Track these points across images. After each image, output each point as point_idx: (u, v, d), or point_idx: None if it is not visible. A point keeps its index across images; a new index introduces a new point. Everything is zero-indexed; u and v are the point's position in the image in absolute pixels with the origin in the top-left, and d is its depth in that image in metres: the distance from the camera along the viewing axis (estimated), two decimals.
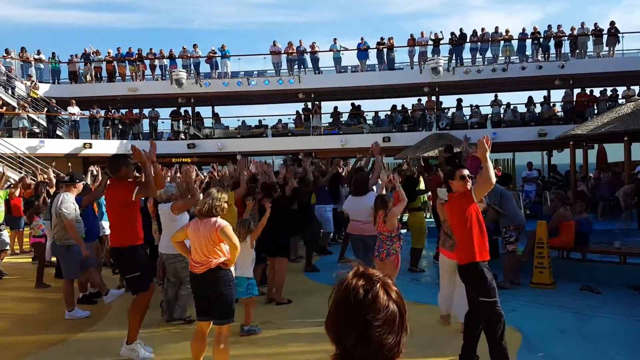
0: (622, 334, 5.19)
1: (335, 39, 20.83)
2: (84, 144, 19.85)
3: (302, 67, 20.96)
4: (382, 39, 20.57)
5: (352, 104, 22.14)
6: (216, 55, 21.20)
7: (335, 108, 22.11)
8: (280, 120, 22.26)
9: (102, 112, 20.84)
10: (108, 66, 21.60)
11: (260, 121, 22.52)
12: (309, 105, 22.02)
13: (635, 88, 19.38)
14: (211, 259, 4.12)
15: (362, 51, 20.62)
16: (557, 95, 21.37)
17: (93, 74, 21.66)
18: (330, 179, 9.92)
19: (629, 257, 7.25)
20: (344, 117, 21.80)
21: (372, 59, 20.90)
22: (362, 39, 20.65)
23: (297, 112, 21.98)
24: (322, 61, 21.24)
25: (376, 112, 22.05)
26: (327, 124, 21.88)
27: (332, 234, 10.76)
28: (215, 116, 23.15)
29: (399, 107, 21.77)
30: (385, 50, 20.38)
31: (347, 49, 21.14)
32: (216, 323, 4.19)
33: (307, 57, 21.05)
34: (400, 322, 1.16)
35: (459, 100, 20.72)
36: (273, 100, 24.09)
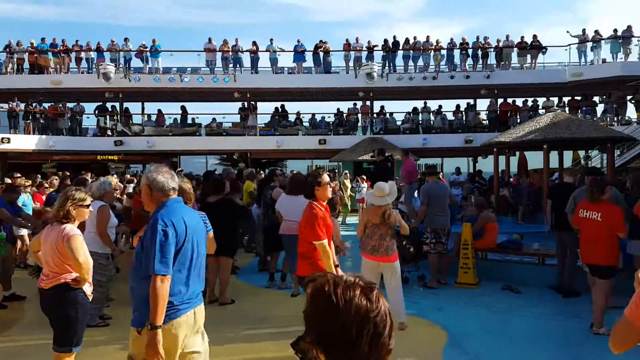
0: (541, 332, 5.48)
1: (271, 40, 20.70)
2: (2, 138, 18.52)
3: (238, 66, 20.66)
4: (320, 41, 20.71)
5: (282, 106, 22.06)
6: (147, 49, 20.44)
7: (277, 109, 21.95)
8: (214, 119, 21.82)
9: (22, 106, 19.49)
10: (30, 57, 20.26)
11: (193, 119, 21.97)
12: (245, 104, 21.76)
13: (554, 99, 20.72)
14: (60, 274, 3.59)
15: (299, 53, 20.64)
16: (483, 104, 22.44)
17: (15, 66, 20.23)
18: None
19: (547, 259, 7.68)
20: (282, 118, 21.73)
21: (309, 62, 20.99)
22: (298, 41, 20.68)
23: (240, 109, 21.61)
24: (259, 62, 21.03)
25: (313, 115, 22.15)
26: (263, 125, 21.73)
27: None
28: (159, 112, 22.18)
29: (334, 111, 22.04)
30: (321, 54, 20.51)
31: (283, 50, 21.09)
32: (55, 349, 3.65)
33: (244, 56, 20.77)
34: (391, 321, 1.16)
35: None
36: (207, 99, 23.56)
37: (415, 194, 10.00)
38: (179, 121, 21.59)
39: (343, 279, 1.16)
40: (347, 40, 20.80)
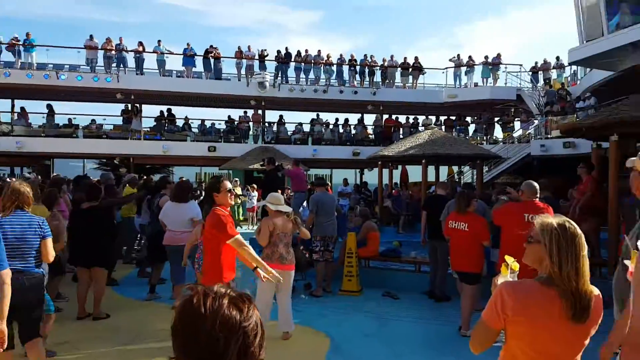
0: (416, 336, 5.80)
1: (159, 41, 19.90)
2: None
3: (121, 65, 19.54)
4: (211, 46, 20.31)
5: (169, 110, 21.29)
6: (19, 43, 18.61)
7: (162, 113, 21.05)
8: (94, 121, 20.37)
9: None
10: None
11: (70, 120, 20.33)
12: (129, 106, 20.62)
13: (433, 118, 22.29)
14: None
15: (189, 57, 20.07)
16: (369, 119, 23.52)
17: None
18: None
19: (423, 266, 8.18)
20: (170, 123, 20.90)
21: (199, 67, 20.48)
22: (188, 44, 20.10)
23: (123, 111, 20.36)
24: (145, 63, 20.06)
25: (202, 121, 21.60)
26: (149, 129, 20.74)
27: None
28: (22, 110, 20.15)
29: (225, 118, 21.69)
30: (212, 59, 20.13)
31: (172, 52, 20.39)
32: None
33: (128, 56, 19.70)
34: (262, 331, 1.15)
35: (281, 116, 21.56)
36: (86, 99, 21.95)
37: (305, 204, 10.14)
38: (45, 121, 19.81)
39: (214, 290, 1.14)
40: (239, 47, 20.66)
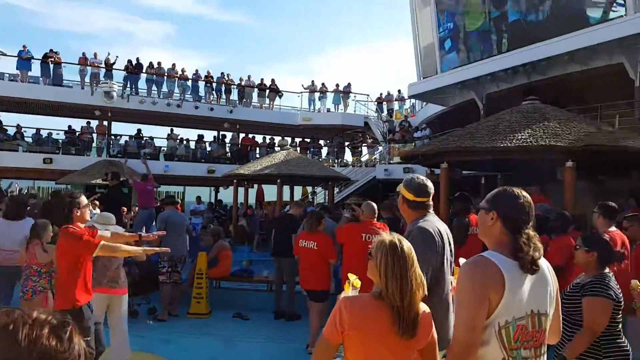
0: (264, 356, 5.77)
1: None
2: None
3: None
4: (51, 50, 18.50)
5: None
6: None
7: None
8: None
9: None
10: None
11: None
12: None
13: (288, 139, 22.83)
14: None
15: (24, 60, 18.02)
16: (226, 136, 23.24)
17: None
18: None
19: (274, 285, 8.19)
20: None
21: (36, 71, 18.49)
22: (24, 46, 18.06)
23: None
24: None
25: (38, 130, 19.41)
26: None
27: None
28: None
29: (65, 127, 19.77)
30: (52, 64, 18.32)
31: (5, 54, 18.16)
32: None
33: None
34: None
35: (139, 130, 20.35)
36: None
37: (154, 223, 9.61)
38: None
39: (33, 316, 1.01)
40: (83, 54, 19.12)
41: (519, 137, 7.55)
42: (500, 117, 8.57)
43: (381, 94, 23.66)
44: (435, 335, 2.10)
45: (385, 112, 23.32)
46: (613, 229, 4.70)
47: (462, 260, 2.23)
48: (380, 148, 21.00)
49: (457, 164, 9.20)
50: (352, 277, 2.27)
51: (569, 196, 7.38)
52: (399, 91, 23.17)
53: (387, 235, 2.09)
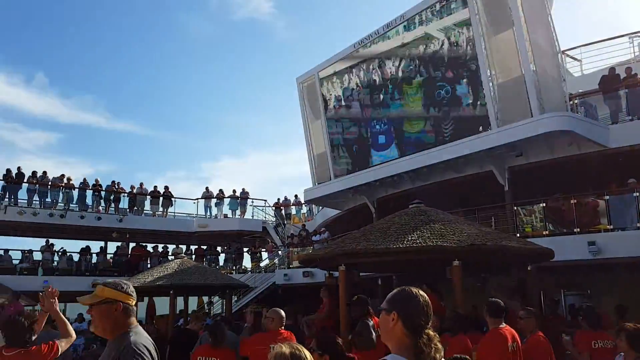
0: None
1: None
2: None
3: None
4: None
5: None
6: None
7: None
8: None
9: None
10: None
11: None
12: None
13: (183, 247, 22.05)
14: None
15: None
16: (114, 246, 21.93)
17: None
18: None
19: None
20: None
21: None
22: None
23: None
24: None
25: None
26: None
27: None
28: None
29: None
30: None
31: None
32: None
33: None
34: None
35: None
36: None
37: None
38: None
39: None
40: None
41: (410, 238, 7.97)
42: (391, 220, 9.04)
43: (278, 199, 24.13)
44: None
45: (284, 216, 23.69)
46: (502, 325, 5.00)
47: None
48: (280, 252, 20.97)
49: (354, 266, 9.39)
50: None
51: (458, 294, 7.75)
52: (296, 196, 23.83)
53: (285, 347, 2.12)
